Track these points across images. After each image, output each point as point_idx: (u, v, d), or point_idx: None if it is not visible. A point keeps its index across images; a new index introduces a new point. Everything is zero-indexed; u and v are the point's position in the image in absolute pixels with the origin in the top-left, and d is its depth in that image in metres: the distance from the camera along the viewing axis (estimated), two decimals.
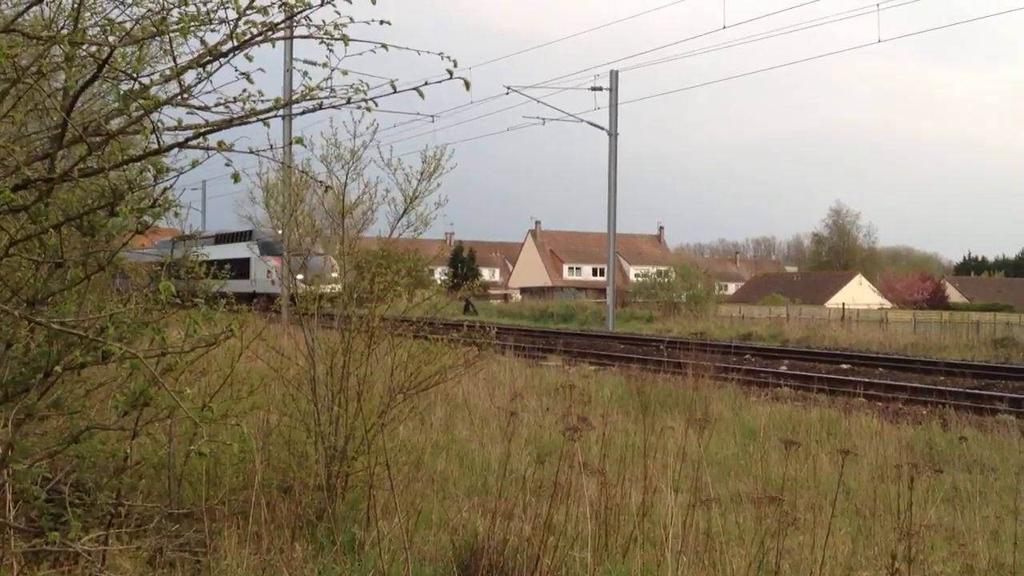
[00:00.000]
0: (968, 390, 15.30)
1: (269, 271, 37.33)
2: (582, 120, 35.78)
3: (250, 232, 42.78)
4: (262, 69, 3.29)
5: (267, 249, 37.50)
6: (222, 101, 3.37)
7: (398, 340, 6.15)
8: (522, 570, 4.35)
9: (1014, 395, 14.41)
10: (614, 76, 35.44)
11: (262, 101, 3.55)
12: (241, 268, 42.02)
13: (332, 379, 5.86)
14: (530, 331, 28.76)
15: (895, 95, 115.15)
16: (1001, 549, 5.52)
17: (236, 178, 3.32)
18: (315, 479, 5.67)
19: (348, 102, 3.38)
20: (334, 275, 6.48)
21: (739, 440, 9.21)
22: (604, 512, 5.04)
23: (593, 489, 5.28)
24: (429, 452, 7.40)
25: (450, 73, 3.48)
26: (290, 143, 3.74)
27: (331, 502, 5.52)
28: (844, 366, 19.50)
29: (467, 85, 3.56)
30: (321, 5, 3.28)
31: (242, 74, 3.25)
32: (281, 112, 3.66)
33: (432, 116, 33.25)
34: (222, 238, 48.70)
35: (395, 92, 3.37)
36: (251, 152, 3.37)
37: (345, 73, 3.43)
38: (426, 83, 3.47)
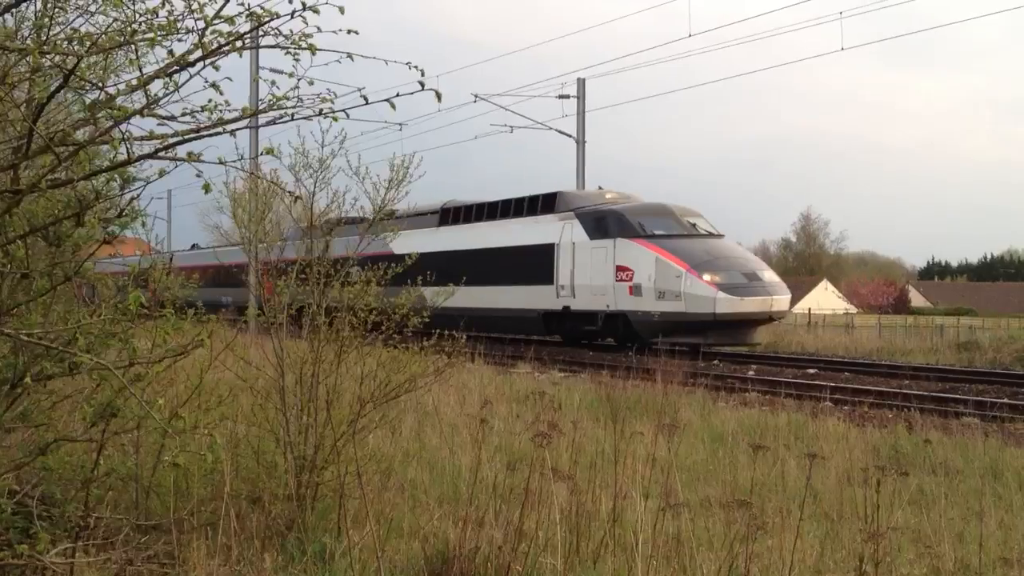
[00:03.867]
0: (933, 393, 15.48)
1: (653, 267, 23.87)
2: (550, 128, 35.83)
3: (553, 197, 27.86)
4: (229, 78, 3.29)
5: (620, 224, 25.37)
6: (188, 111, 3.36)
7: (368, 349, 6.14)
8: None
9: (978, 398, 14.59)
10: (581, 84, 35.56)
11: (229, 111, 3.54)
12: (542, 261, 27.00)
13: (301, 388, 5.85)
14: (500, 338, 28.80)
15: (858, 103, 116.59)
16: (967, 551, 5.59)
17: (207, 189, 3.31)
18: (285, 489, 5.65)
19: (319, 113, 3.39)
20: None
21: (708, 445, 9.26)
22: (575, 518, 5.06)
23: (563, 495, 5.30)
24: (399, 461, 7.38)
25: (422, 85, 3.50)
26: (259, 154, 3.73)
27: (301, 512, 5.50)
28: (811, 371, 19.66)
29: (438, 97, 3.58)
30: (291, 17, 3.28)
31: (210, 84, 3.25)
32: (247, 123, 3.65)
33: (400, 124, 33.13)
34: (481, 211, 31.10)
35: (367, 103, 3.38)
36: (221, 163, 3.36)
37: (311, 83, 3.43)
38: (398, 94, 3.49)
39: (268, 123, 3.47)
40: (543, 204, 28.50)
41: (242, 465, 5.77)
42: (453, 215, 31.93)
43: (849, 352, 28.22)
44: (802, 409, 12.64)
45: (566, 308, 26.46)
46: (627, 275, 24.62)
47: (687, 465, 8.22)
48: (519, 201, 29.70)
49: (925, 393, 15.30)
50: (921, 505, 6.81)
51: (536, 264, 27.10)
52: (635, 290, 24.46)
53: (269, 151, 3.78)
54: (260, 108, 3.43)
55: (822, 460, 7.67)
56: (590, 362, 21.58)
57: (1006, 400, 14.01)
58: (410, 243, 31.75)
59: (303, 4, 3.24)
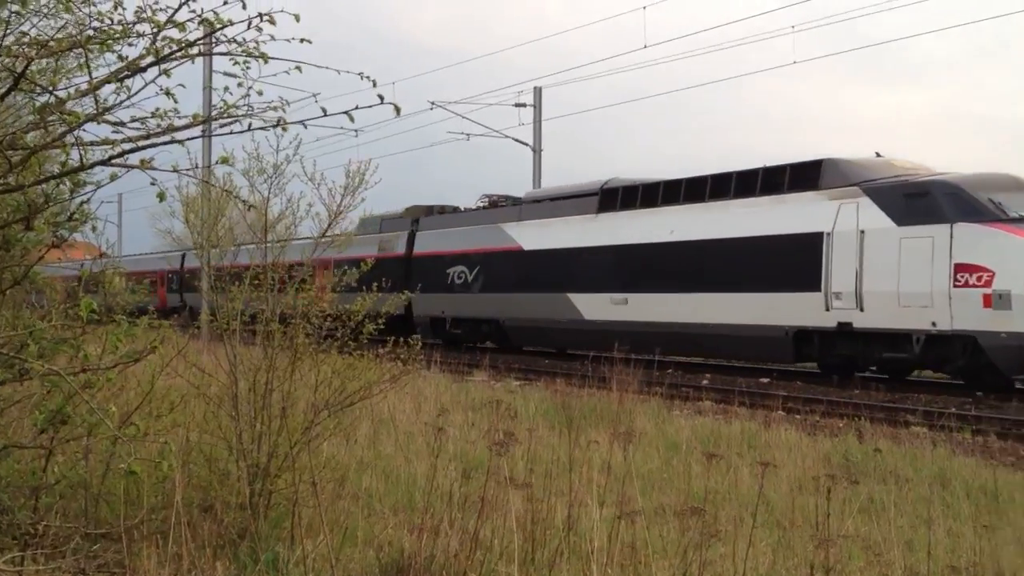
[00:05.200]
0: (882, 403, 15.68)
1: None
2: (506, 136, 35.95)
3: (816, 168, 19.35)
4: (182, 85, 3.26)
5: (957, 202, 17.15)
6: (139, 117, 3.32)
7: (323, 356, 6.10)
8: None
9: (926, 408, 14.81)
10: (538, 93, 35.69)
11: (179, 118, 3.51)
12: (795, 258, 19.05)
13: (255, 396, 5.79)
14: (455, 347, 28.74)
15: (809, 116, 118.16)
16: (916, 558, 5.67)
17: (162, 197, 3.28)
18: (237, 497, 5.60)
19: (276, 125, 3.37)
20: None
21: (662, 453, 9.32)
22: (530, 526, 5.06)
23: (519, 503, 5.30)
24: (354, 469, 7.34)
25: (381, 98, 3.50)
26: (215, 163, 3.69)
27: (254, 521, 5.44)
28: (764, 380, 19.83)
29: (397, 111, 3.58)
30: (248, 27, 3.26)
31: (164, 91, 3.22)
32: (201, 130, 3.61)
33: (356, 131, 33.05)
34: (673, 192, 22.51)
35: (325, 115, 3.37)
36: (175, 171, 3.33)
37: (260, 93, 3.41)
38: (356, 107, 3.48)
39: (221, 133, 3.44)
40: (793, 178, 19.92)
41: (194, 473, 5.70)
42: (624, 198, 23.80)
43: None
44: (755, 418, 12.75)
45: (844, 325, 18.23)
46: (979, 278, 16.45)
47: (642, 473, 8.26)
48: (745, 176, 20.99)
49: (875, 403, 15.50)
50: (871, 513, 6.90)
51: (783, 262, 19.20)
52: (995, 300, 16.23)
53: (224, 160, 3.74)
54: (212, 116, 3.40)
55: (774, 468, 7.75)
56: (545, 370, 21.61)
57: (953, 410, 14.23)
58: (547, 236, 25.69)
59: (260, 14, 3.23)
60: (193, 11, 3.24)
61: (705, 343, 21.99)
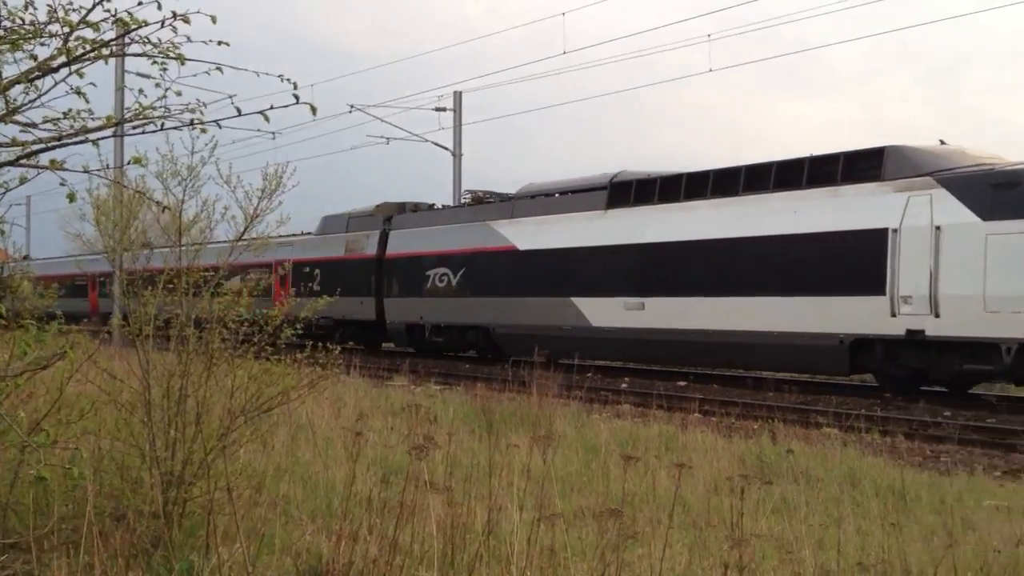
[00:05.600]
0: (795, 405, 16.05)
1: None
2: (426, 140, 35.90)
3: (878, 156, 17.44)
4: (93, 84, 3.19)
5: None
6: (51, 118, 3.24)
7: (239, 362, 6.01)
8: None
9: (836, 410, 15.19)
10: (458, 97, 35.70)
11: (93, 119, 3.44)
12: (853, 258, 17.29)
13: (168, 402, 5.68)
14: (374, 352, 28.56)
15: (726, 123, 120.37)
16: (826, 556, 5.80)
17: (72, 198, 3.20)
18: (150, 506, 5.49)
19: (191, 124, 3.32)
20: None
21: (582, 456, 9.38)
22: (450, 531, 5.05)
23: (439, 508, 5.29)
24: (271, 476, 7.24)
25: (296, 98, 3.47)
26: (127, 163, 3.62)
27: (167, 529, 5.34)
28: (681, 383, 20.12)
29: (313, 110, 3.56)
30: (162, 26, 3.21)
31: (76, 91, 3.14)
32: (113, 132, 3.54)
33: (273, 133, 32.58)
34: (699, 185, 20.51)
35: (240, 115, 3.33)
36: (85, 171, 3.25)
37: (179, 94, 3.36)
38: (272, 107, 3.45)
39: (133, 133, 3.37)
40: (849, 168, 17.79)
41: (105, 481, 5.57)
42: (639, 192, 21.68)
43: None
44: (672, 420, 12.93)
45: (914, 333, 16.36)
46: None
47: (561, 476, 8.31)
48: (787, 167, 18.93)
49: (788, 405, 15.84)
50: (784, 513, 7.05)
51: (837, 262, 17.31)
52: None
53: (137, 160, 3.67)
54: (126, 117, 3.33)
55: (691, 470, 7.87)
56: (465, 375, 21.61)
57: (863, 411, 14.63)
58: (546, 234, 23.78)
59: (174, 13, 3.18)
60: (107, 11, 3.18)
61: (738, 353, 19.65)
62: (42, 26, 3.20)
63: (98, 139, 3.29)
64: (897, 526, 5.51)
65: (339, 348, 6.49)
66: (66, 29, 3.15)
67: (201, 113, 3.42)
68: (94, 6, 3.16)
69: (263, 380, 5.95)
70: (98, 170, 3.40)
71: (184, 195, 5.69)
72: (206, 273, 5.97)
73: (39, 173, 3.23)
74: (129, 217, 5.84)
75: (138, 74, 3.46)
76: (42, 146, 3.20)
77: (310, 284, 29.94)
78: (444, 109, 35.29)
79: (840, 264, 17.34)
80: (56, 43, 3.20)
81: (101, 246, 6.36)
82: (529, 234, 24.22)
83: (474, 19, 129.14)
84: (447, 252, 26.52)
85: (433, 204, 30.49)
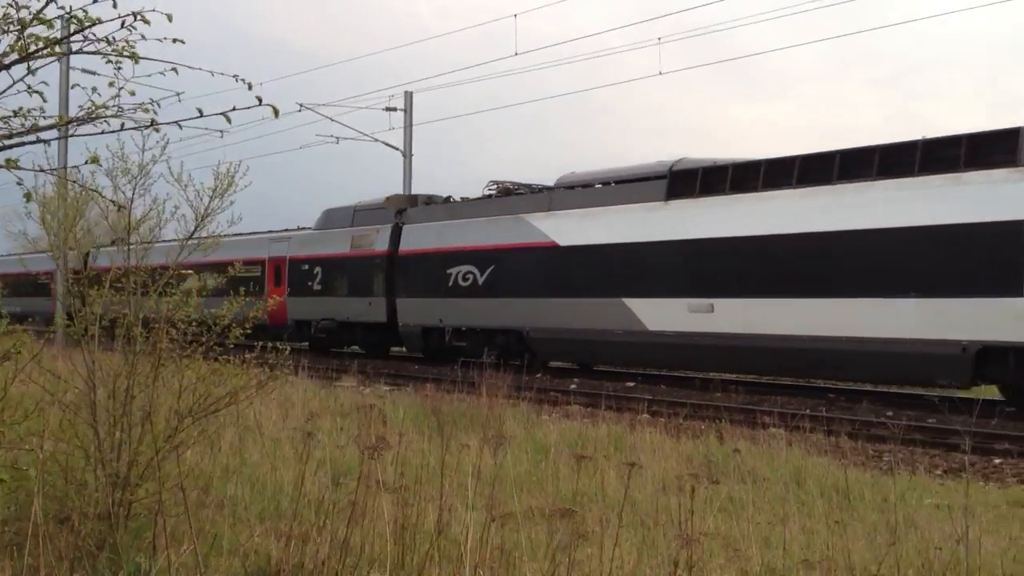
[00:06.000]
0: (742, 405, 16.24)
1: None
2: (377, 140, 35.75)
3: (1013, 137, 15.23)
4: (45, 82, 3.14)
5: None
6: (1, 116, 3.19)
7: (187, 362, 5.95)
8: None
9: (782, 410, 15.39)
10: (408, 97, 35.59)
11: (44, 117, 3.39)
12: (977, 254, 15.36)
13: (114, 403, 5.61)
14: (323, 353, 28.31)
15: (677, 127, 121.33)
16: (772, 554, 5.89)
17: (28, 197, 3.15)
18: (96, 508, 5.42)
19: (150, 126, 3.28)
20: None
21: (531, 457, 9.42)
22: (400, 532, 5.05)
23: (389, 509, 5.28)
24: (218, 477, 7.18)
25: (259, 100, 3.45)
26: (83, 163, 3.55)
27: (113, 532, 5.28)
28: (629, 384, 20.26)
29: (276, 112, 3.54)
30: (122, 27, 3.17)
31: (29, 89, 3.10)
32: (59, 131, 3.49)
33: (221, 132, 32.16)
34: (781, 173, 18.37)
35: (201, 115, 3.30)
36: (41, 171, 3.21)
37: (132, 93, 3.32)
38: (234, 108, 3.43)
39: (92, 133, 3.33)
40: (974, 152, 15.65)
41: (49, 483, 5.49)
42: (706, 181, 19.42)
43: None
44: (621, 421, 13.02)
45: None
46: None
47: (511, 477, 8.33)
48: (894, 151, 16.80)
49: (735, 405, 16.02)
50: (730, 512, 7.14)
51: (961, 259, 15.36)
52: None
53: (94, 160, 3.61)
54: (78, 116, 3.29)
55: (640, 469, 7.93)
56: (415, 376, 21.56)
57: (807, 411, 14.84)
58: (593, 229, 21.56)
59: (134, 14, 3.14)
60: (62, 8, 3.13)
61: (830, 361, 17.52)
62: None
63: (53, 139, 3.24)
64: (841, 524, 5.61)
65: (289, 349, 6.43)
66: (17, 27, 3.10)
67: (155, 112, 3.39)
68: (48, 3, 3.12)
69: (211, 380, 5.89)
70: (53, 169, 3.35)
71: (134, 193, 5.62)
72: (160, 271, 5.89)
73: None
74: (75, 215, 5.75)
75: (83, 70, 3.43)
76: (3, 132, 3.15)
77: (309, 283, 29.06)
78: (395, 109, 35.18)
79: (964, 262, 15.33)
80: (9, 40, 3.15)
81: (45, 244, 6.25)
82: (572, 228, 21.81)
83: (426, 19, 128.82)
84: (473, 248, 23.96)
85: (449, 197, 27.72)
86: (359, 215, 28.28)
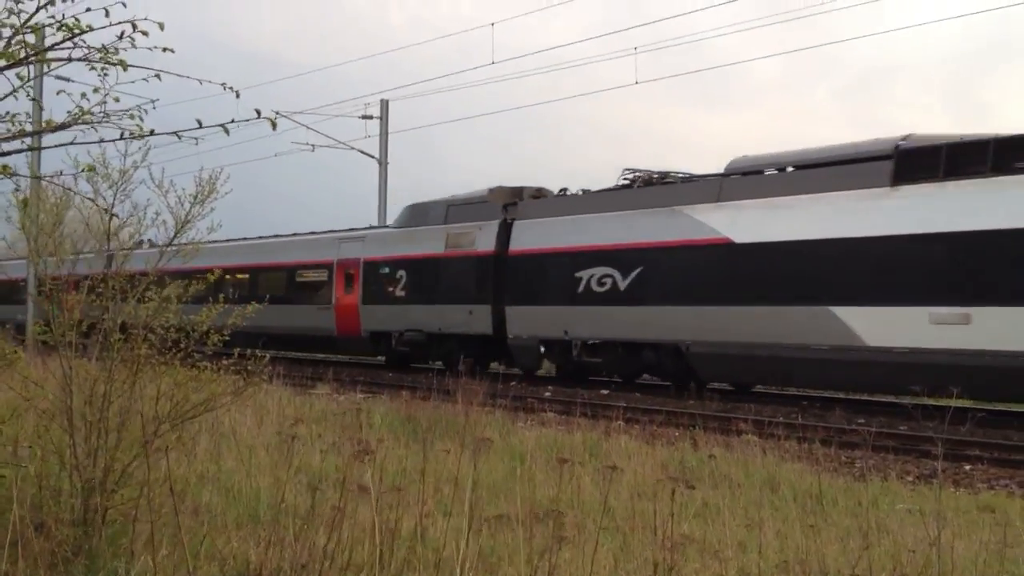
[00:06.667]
0: (716, 413, 16.33)
1: None
2: (352, 148, 35.72)
3: None
4: (30, 87, 3.15)
5: None
6: None
7: (163, 368, 5.95)
8: None
9: (756, 417, 15.49)
10: (384, 105, 35.62)
11: (29, 123, 3.40)
12: None
13: (91, 409, 5.60)
14: (298, 359, 28.15)
15: (653, 135, 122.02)
16: (747, 558, 5.96)
17: (25, 203, 3.16)
18: (71, 514, 5.40)
19: (150, 134, 3.30)
20: None
21: (508, 463, 9.44)
22: (379, 536, 5.07)
23: (368, 515, 5.30)
24: (194, 484, 7.17)
25: (258, 112, 3.48)
26: (80, 170, 3.56)
27: (89, 538, 5.27)
28: (604, 392, 20.31)
29: (273, 125, 3.57)
30: (120, 37, 3.18)
31: (31, 98, 3.11)
32: (37, 140, 3.50)
33: (196, 139, 31.93)
34: None
35: (201, 127, 3.32)
36: (36, 177, 3.22)
37: (117, 100, 3.34)
38: (233, 120, 3.45)
39: (90, 142, 3.34)
40: None
41: (23, 489, 5.46)
42: (952, 161, 15.90)
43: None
44: (596, 428, 13.07)
45: None
46: None
47: (488, 483, 8.36)
48: None
49: (709, 412, 16.11)
50: (705, 517, 7.19)
51: None
52: None
53: (91, 168, 3.61)
54: (65, 122, 3.30)
55: (619, 473, 7.98)
56: (390, 383, 21.52)
57: (781, 419, 14.95)
58: (784, 222, 17.99)
59: (133, 24, 3.16)
60: (52, 16, 3.14)
61: None
62: None
63: (50, 147, 3.27)
64: (815, 528, 5.68)
65: (268, 356, 6.40)
66: (8, 32, 3.12)
67: (140, 119, 3.40)
68: (37, 9, 3.13)
69: (188, 387, 5.89)
70: (51, 176, 3.37)
71: (115, 199, 5.61)
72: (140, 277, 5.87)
73: None
74: (56, 221, 5.74)
75: (57, 77, 3.43)
76: None
77: (390, 289, 25.72)
78: (370, 117, 35.19)
79: None
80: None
81: (21, 250, 6.22)
82: (753, 221, 18.15)
83: (398, 30, 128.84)
84: (612, 247, 20.22)
85: (565, 189, 23.82)
86: (454, 211, 24.73)
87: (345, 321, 26.85)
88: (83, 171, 3.60)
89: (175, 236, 5.81)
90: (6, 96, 3.15)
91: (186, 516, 6.15)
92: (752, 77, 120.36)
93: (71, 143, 3.36)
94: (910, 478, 11.11)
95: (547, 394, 19.18)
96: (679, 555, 5.22)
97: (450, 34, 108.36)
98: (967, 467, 11.91)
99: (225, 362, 6.22)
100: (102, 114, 3.35)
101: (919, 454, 12.56)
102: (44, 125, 3.30)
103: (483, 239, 23.45)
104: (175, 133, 3.49)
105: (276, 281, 29.35)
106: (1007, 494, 10.16)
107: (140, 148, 5.40)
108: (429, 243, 24.74)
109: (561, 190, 23.73)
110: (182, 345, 5.87)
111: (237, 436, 9.84)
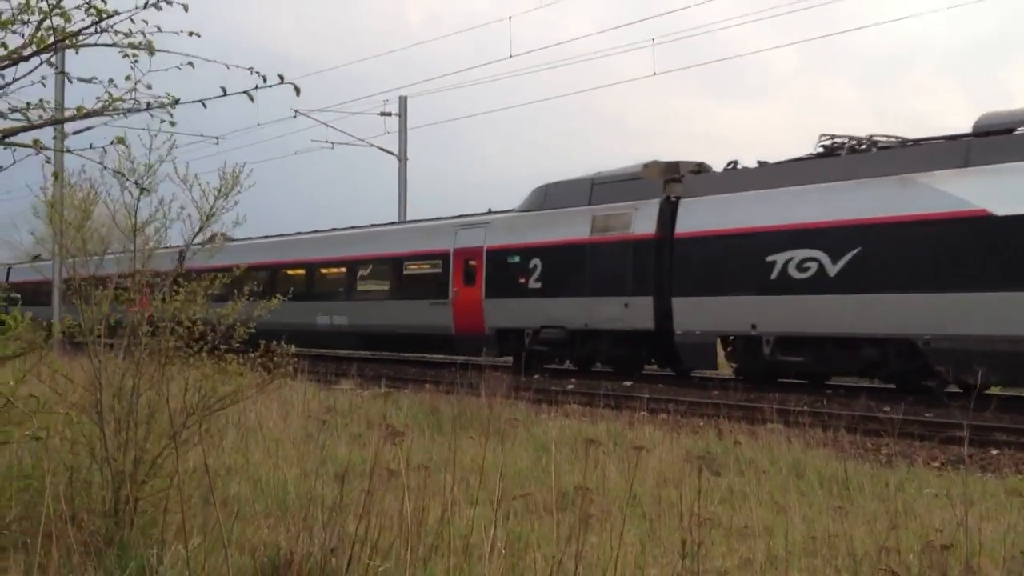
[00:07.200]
0: (740, 403, 16.29)
1: None
2: (372, 145, 35.82)
3: None
4: (65, 72, 3.21)
5: None
6: (17, 108, 3.26)
7: (193, 361, 6.02)
8: None
9: (780, 406, 15.44)
10: (403, 102, 35.69)
11: (53, 109, 3.45)
12: None
13: (120, 401, 5.68)
14: (322, 356, 28.22)
15: (669, 128, 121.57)
16: (774, 544, 5.96)
17: (57, 176, 3.21)
18: (102, 505, 5.49)
19: (175, 102, 3.33)
20: None
21: (532, 454, 9.48)
22: (407, 523, 5.11)
23: (395, 503, 5.34)
24: (223, 475, 7.24)
25: (281, 78, 3.52)
26: (111, 143, 3.62)
27: (120, 529, 5.35)
28: (627, 383, 20.29)
29: (297, 91, 3.60)
30: (145, 5, 3.23)
31: (64, 76, 3.15)
32: (60, 130, 3.55)
33: (217, 138, 32.05)
34: None
35: (225, 95, 3.37)
36: (67, 151, 3.28)
37: (149, 87, 3.38)
38: (257, 87, 3.49)
39: (115, 122, 3.39)
40: None
41: (55, 482, 5.55)
42: None
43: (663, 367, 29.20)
44: (620, 419, 13.08)
45: None
46: None
47: (512, 472, 8.39)
48: None
49: (733, 402, 16.08)
50: (731, 503, 7.20)
51: None
52: None
53: (120, 140, 3.67)
54: (95, 108, 3.34)
55: (645, 454, 7.99)
56: (413, 378, 21.59)
57: (806, 408, 14.89)
58: None
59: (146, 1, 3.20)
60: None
61: None
62: (15, 13, 3.20)
63: (77, 131, 3.31)
64: (842, 510, 5.68)
65: (292, 348, 6.44)
66: (38, 17, 3.17)
67: (173, 107, 3.44)
68: None
69: (216, 379, 5.96)
70: (82, 149, 3.42)
71: (140, 194, 5.68)
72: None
73: (15, 161, 3.23)
74: (83, 216, 5.81)
75: (61, 74, 3.45)
76: (22, 125, 3.21)
77: (521, 280, 22.76)
78: (389, 114, 35.28)
79: None
80: (28, 31, 3.21)
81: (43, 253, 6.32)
82: (1020, 188, 15.11)
83: (414, 27, 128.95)
84: (816, 225, 17.33)
85: (735, 162, 20.41)
86: (600, 190, 21.59)
87: (465, 317, 24.04)
88: (114, 143, 3.66)
89: (200, 230, 5.87)
90: (23, 76, 3.20)
91: (215, 507, 6.22)
92: (770, 68, 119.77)
93: (103, 123, 3.41)
94: (936, 464, 11.06)
95: (570, 387, 19.19)
96: (706, 532, 5.24)
97: (467, 28, 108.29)
98: (994, 452, 11.85)
99: (252, 355, 6.28)
100: (132, 100, 3.40)
101: (946, 440, 12.49)
102: (76, 111, 3.35)
103: (641, 221, 20.29)
104: (201, 101, 3.53)
105: (377, 275, 27.26)
106: None
107: (165, 142, 5.47)
108: (570, 227, 21.74)
109: (730, 163, 20.32)
110: (208, 338, 5.93)
111: (264, 430, 9.93)
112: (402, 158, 35.67)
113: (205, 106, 3.47)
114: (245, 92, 3.49)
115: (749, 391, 17.85)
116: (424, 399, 14.11)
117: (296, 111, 33.22)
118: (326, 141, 35.32)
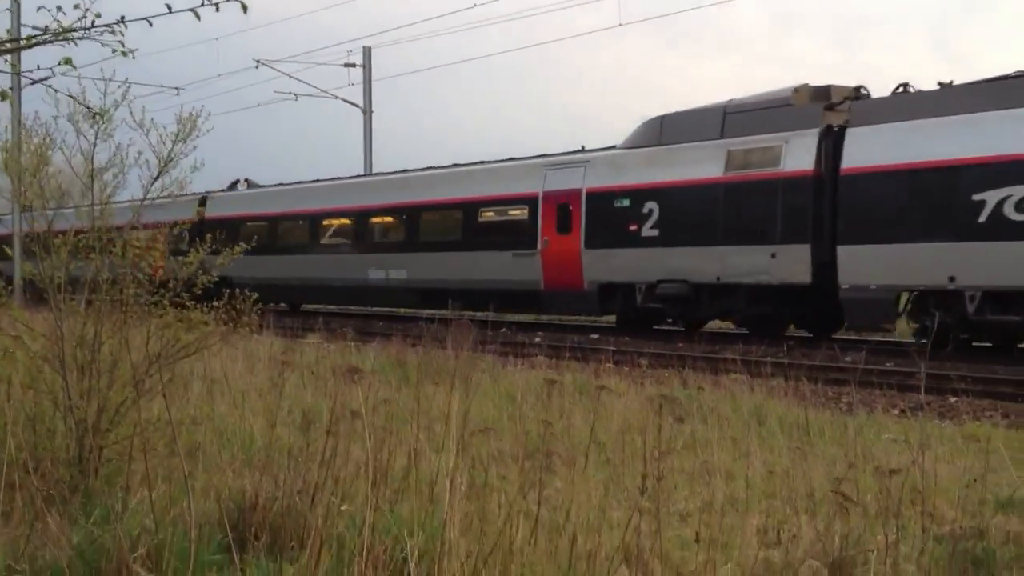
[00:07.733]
0: (704, 354, 16.45)
1: None
2: (336, 96, 35.47)
3: None
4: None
5: None
6: None
7: (156, 309, 5.98)
8: (294, 524, 4.40)
9: (743, 357, 15.60)
10: (367, 52, 35.33)
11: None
12: None
13: (82, 350, 5.64)
14: (288, 311, 28.15)
15: (634, 82, 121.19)
16: (735, 486, 6.06)
17: (4, 96, 3.15)
18: (66, 454, 5.47)
19: (121, 21, 3.27)
20: None
21: (498, 404, 9.53)
22: (372, 469, 5.14)
23: (361, 453, 5.37)
24: (187, 426, 7.23)
25: None
26: (57, 64, 3.54)
27: (84, 477, 5.35)
28: (594, 336, 20.42)
29: (244, 8, 3.55)
30: None
31: (7, 9, 3.09)
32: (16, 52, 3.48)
33: (177, 88, 31.53)
34: None
35: (170, 12, 3.32)
36: (18, 74, 3.21)
37: (98, 15, 3.33)
38: (203, 3, 3.43)
39: (71, 42, 3.32)
40: None
41: (17, 432, 5.52)
42: None
43: None
44: (586, 371, 13.18)
45: None
46: None
47: (479, 422, 8.44)
48: None
49: (697, 354, 16.23)
50: (694, 449, 7.29)
51: None
52: None
53: (67, 61, 3.59)
54: (46, 37, 3.29)
55: (606, 409, 8.07)
56: (380, 332, 21.59)
57: (768, 359, 15.07)
58: None
59: None
60: None
61: None
62: None
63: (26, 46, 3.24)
64: (801, 451, 5.77)
65: (255, 295, 6.41)
66: None
67: (122, 33, 3.39)
68: None
69: (179, 327, 5.93)
70: (30, 71, 3.35)
71: (96, 138, 5.59)
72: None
73: None
74: (39, 162, 5.72)
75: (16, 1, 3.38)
76: None
77: (631, 227, 19.65)
78: (353, 65, 34.91)
79: None
80: None
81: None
82: None
83: None
84: None
85: (906, 84, 17.29)
86: (736, 120, 18.37)
87: (558, 271, 21.07)
88: (59, 64, 3.58)
89: (158, 175, 5.80)
90: None
91: (179, 458, 6.22)
92: (740, 20, 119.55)
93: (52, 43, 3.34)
94: (896, 411, 11.26)
95: (537, 339, 19.29)
96: (666, 467, 5.31)
97: None
98: (952, 399, 12.07)
99: (216, 303, 6.24)
100: (83, 28, 3.34)
101: (905, 388, 12.71)
102: (24, 41, 3.29)
103: (795, 155, 17.27)
104: (147, 19, 3.47)
105: (444, 223, 24.18)
106: (992, 424, 10.31)
107: (119, 87, 5.37)
108: (698, 165, 18.64)
109: (900, 86, 17.16)
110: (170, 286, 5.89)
111: (229, 382, 9.91)
112: (367, 110, 35.35)
113: (151, 24, 3.42)
114: (191, 9, 3.44)
115: (713, 343, 18.02)
116: (391, 351, 14.12)
117: (258, 61, 32.82)
118: (289, 92, 34.95)
